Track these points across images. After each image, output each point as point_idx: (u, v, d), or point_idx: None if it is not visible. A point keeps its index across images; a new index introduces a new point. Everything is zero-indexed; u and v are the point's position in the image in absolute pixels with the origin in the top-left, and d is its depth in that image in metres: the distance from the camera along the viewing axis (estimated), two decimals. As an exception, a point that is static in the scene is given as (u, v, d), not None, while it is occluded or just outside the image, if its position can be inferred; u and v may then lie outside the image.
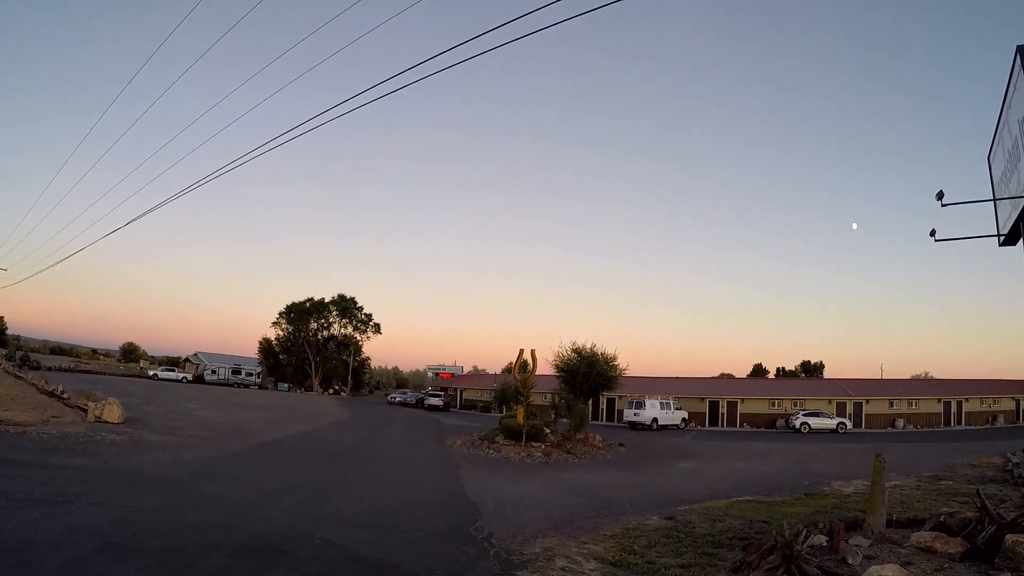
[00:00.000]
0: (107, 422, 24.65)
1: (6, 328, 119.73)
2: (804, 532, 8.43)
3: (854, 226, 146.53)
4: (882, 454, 10.15)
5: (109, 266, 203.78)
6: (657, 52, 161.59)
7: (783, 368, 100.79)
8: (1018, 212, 10.93)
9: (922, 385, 65.30)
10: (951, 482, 18.61)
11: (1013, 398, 60.04)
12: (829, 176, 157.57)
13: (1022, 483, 17.55)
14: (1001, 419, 57.33)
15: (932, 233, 12.48)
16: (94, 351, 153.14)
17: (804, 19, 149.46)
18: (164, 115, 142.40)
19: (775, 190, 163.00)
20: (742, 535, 11.38)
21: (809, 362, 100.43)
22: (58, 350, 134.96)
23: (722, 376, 79.77)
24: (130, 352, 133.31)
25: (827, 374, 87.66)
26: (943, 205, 11.78)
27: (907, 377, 72.77)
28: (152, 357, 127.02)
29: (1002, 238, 12.66)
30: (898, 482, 18.52)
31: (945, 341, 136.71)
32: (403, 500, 15.06)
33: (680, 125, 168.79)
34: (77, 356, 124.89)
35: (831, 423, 50.41)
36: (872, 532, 9.64)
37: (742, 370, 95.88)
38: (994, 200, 12.90)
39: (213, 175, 19.89)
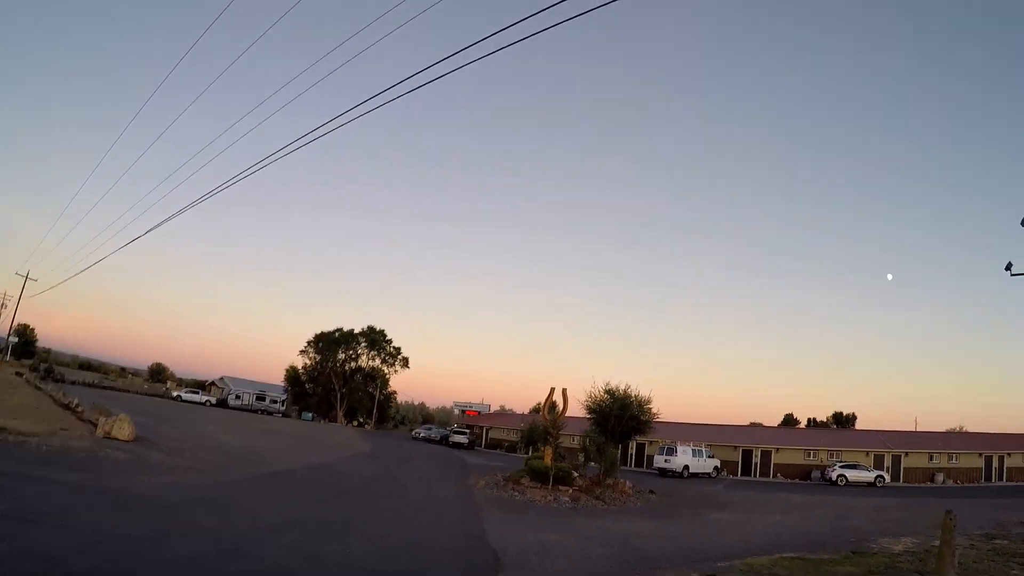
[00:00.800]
0: (116, 439, 23.73)
1: (36, 340, 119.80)
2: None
3: (889, 277, 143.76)
4: (951, 510, 8.70)
5: (142, 287, 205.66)
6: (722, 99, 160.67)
7: (814, 419, 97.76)
8: None
9: (962, 438, 62.08)
10: (1006, 541, 16.85)
11: (1057, 453, 57.03)
12: (863, 225, 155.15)
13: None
14: (1045, 474, 54.81)
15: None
16: (123, 369, 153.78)
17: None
18: (193, 135, 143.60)
19: (810, 239, 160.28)
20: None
21: (841, 413, 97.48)
22: (87, 365, 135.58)
23: (752, 425, 77.13)
24: (158, 372, 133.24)
25: (859, 425, 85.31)
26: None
27: (942, 430, 69.94)
28: (180, 379, 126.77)
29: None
30: (948, 540, 16.93)
31: (981, 394, 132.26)
32: (416, 543, 13.60)
33: (718, 172, 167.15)
34: (105, 373, 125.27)
35: (869, 476, 48.24)
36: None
37: (773, 419, 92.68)
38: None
39: (244, 179, 18.85)
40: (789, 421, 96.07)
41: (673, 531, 19.66)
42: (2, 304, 78.21)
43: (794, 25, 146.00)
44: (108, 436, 23.81)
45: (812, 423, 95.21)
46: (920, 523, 22.50)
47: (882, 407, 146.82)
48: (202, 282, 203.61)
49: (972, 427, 70.37)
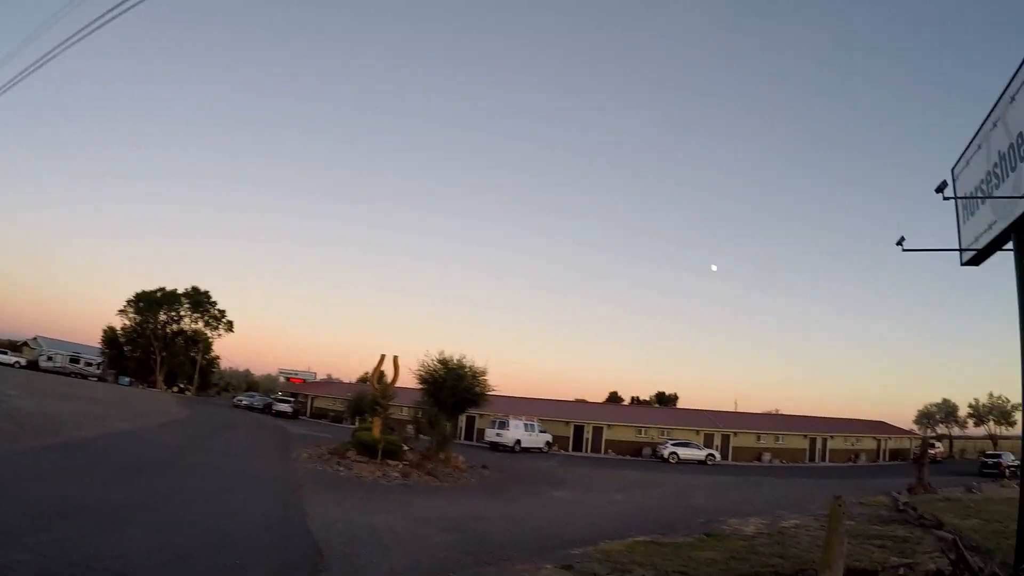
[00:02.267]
0: None
1: None
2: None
3: (713, 268, 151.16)
4: (840, 496, 8.23)
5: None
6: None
7: (637, 398, 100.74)
8: (1009, 222, 9.43)
9: (788, 421, 66.85)
10: (852, 522, 17.08)
11: (874, 437, 63.09)
12: (682, 210, 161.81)
13: (924, 524, 17.13)
14: (864, 457, 60.11)
15: (900, 241, 11.72)
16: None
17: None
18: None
19: (638, 215, 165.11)
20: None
21: (664, 393, 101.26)
22: None
23: (579, 401, 78.44)
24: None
25: (681, 405, 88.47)
26: (904, 250, 11.75)
27: (759, 412, 73.91)
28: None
29: (968, 255, 11.68)
30: (797, 521, 17.41)
31: (798, 380, 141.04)
32: (221, 533, 11.79)
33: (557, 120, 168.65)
34: None
35: (700, 454, 50.58)
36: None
37: (598, 397, 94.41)
38: (957, 212, 11.97)
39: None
40: (614, 399, 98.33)
41: (515, 512, 18.93)
42: None
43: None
44: None
45: (636, 401, 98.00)
46: (762, 502, 23.26)
47: (703, 389, 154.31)
48: (21, 233, 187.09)
49: (787, 411, 75.22)
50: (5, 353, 78.67)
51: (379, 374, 29.95)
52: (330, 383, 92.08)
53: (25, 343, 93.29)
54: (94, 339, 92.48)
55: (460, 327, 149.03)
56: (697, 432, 57.21)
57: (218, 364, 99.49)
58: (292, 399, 70.81)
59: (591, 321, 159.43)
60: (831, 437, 60.24)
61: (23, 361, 78.14)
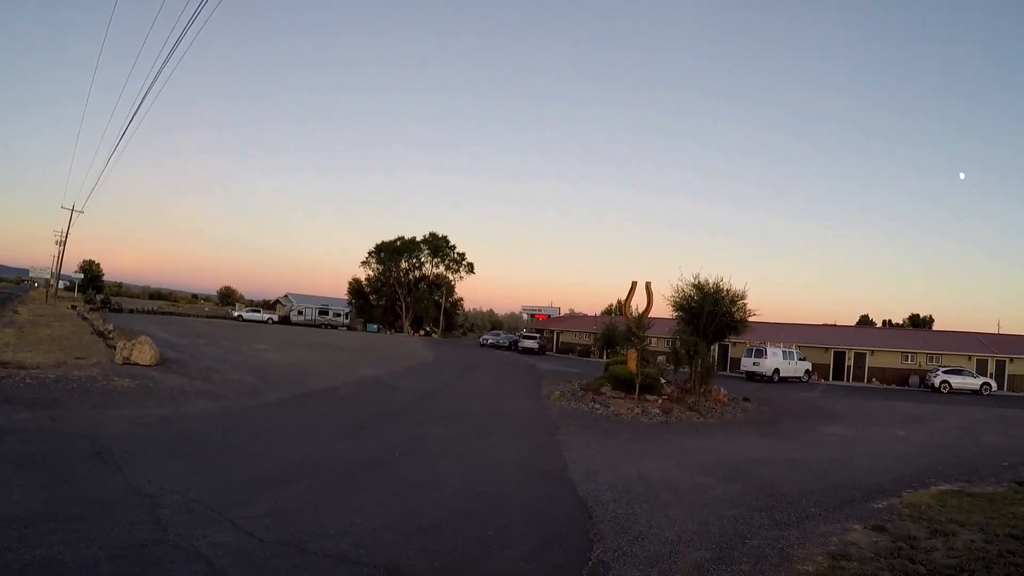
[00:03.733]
0: (137, 364, 20.68)
1: (102, 275, 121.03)
2: None
3: (961, 176, 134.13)
4: None
5: (208, 217, 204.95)
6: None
7: (889, 321, 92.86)
8: None
9: None
10: None
11: None
12: (935, 125, 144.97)
13: None
14: None
15: None
16: (194, 296, 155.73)
17: None
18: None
19: (877, 141, 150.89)
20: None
21: (918, 315, 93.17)
22: (157, 295, 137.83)
23: (830, 326, 71.65)
24: (227, 296, 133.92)
25: (937, 327, 79.54)
26: None
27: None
28: (250, 301, 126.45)
29: None
30: None
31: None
32: (470, 495, 9.55)
33: (801, 73, 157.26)
34: (175, 301, 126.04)
35: (975, 383, 43.68)
36: None
37: (846, 321, 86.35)
38: None
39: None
40: (864, 323, 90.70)
41: (795, 453, 16.10)
42: (63, 242, 76.43)
43: None
44: (128, 362, 20.70)
45: (888, 324, 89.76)
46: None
47: (959, 311, 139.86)
48: (260, 202, 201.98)
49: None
50: (258, 311, 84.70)
51: (634, 304, 27.20)
52: (574, 317, 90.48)
53: (277, 301, 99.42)
54: (341, 292, 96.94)
55: (701, 256, 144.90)
56: (969, 358, 49.79)
57: (462, 306, 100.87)
58: (537, 335, 69.83)
59: (838, 242, 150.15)
60: None
61: (275, 317, 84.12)
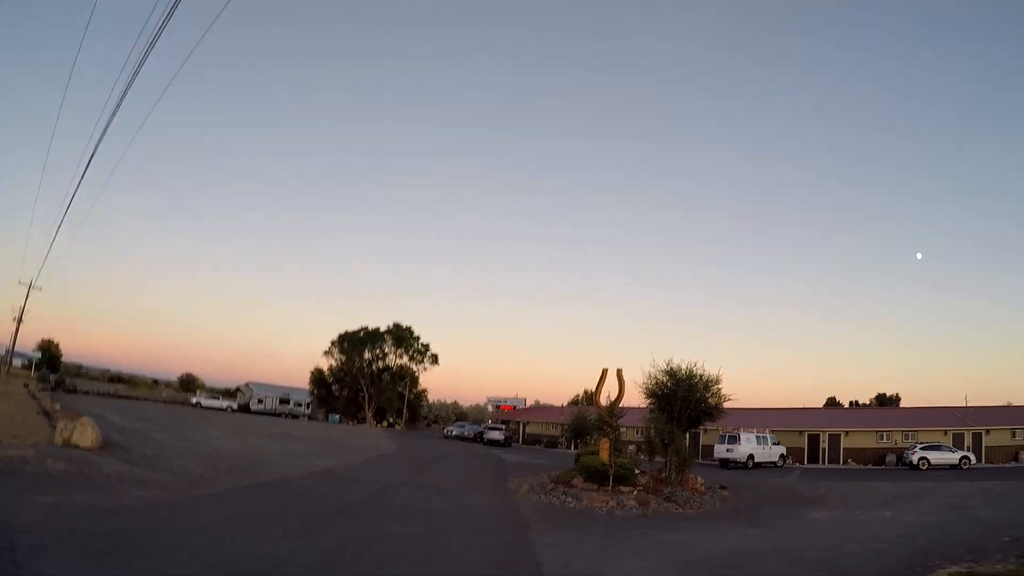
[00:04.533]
0: (77, 446, 19.40)
1: (60, 355, 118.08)
2: None
3: (919, 256, 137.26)
4: None
5: (169, 302, 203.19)
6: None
7: (856, 401, 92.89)
8: None
9: None
10: None
11: None
12: (892, 207, 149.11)
13: None
14: None
15: None
16: (155, 381, 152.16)
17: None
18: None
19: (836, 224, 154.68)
20: None
21: (884, 394, 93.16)
22: (117, 379, 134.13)
23: (803, 409, 71.15)
24: (188, 383, 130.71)
25: (904, 404, 79.79)
26: None
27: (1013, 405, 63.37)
28: (211, 388, 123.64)
29: None
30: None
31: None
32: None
33: (765, 159, 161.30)
34: (135, 385, 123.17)
35: (954, 457, 42.98)
36: None
37: (814, 403, 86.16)
38: None
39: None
40: (832, 403, 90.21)
41: (784, 544, 15.06)
42: (19, 319, 74.39)
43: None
44: (68, 443, 19.40)
45: (855, 405, 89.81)
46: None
47: (925, 387, 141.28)
48: (224, 289, 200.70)
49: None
50: (217, 398, 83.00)
51: (605, 391, 26.36)
52: (540, 408, 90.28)
53: (238, 389, 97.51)
54: (303, 381, 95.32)
55: (664, 343, 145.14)
56: (945, 432, 49.37)
57: (426, 397, 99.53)
58: (503, 426, 69.31)
59: (800, 327, 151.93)
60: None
61: (235, 405, 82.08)
